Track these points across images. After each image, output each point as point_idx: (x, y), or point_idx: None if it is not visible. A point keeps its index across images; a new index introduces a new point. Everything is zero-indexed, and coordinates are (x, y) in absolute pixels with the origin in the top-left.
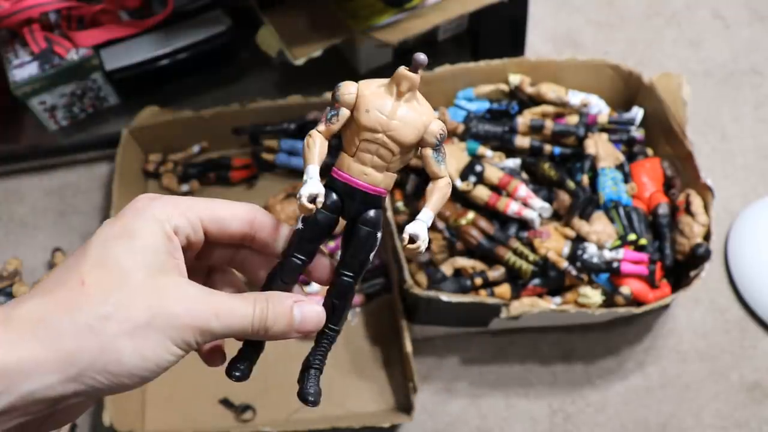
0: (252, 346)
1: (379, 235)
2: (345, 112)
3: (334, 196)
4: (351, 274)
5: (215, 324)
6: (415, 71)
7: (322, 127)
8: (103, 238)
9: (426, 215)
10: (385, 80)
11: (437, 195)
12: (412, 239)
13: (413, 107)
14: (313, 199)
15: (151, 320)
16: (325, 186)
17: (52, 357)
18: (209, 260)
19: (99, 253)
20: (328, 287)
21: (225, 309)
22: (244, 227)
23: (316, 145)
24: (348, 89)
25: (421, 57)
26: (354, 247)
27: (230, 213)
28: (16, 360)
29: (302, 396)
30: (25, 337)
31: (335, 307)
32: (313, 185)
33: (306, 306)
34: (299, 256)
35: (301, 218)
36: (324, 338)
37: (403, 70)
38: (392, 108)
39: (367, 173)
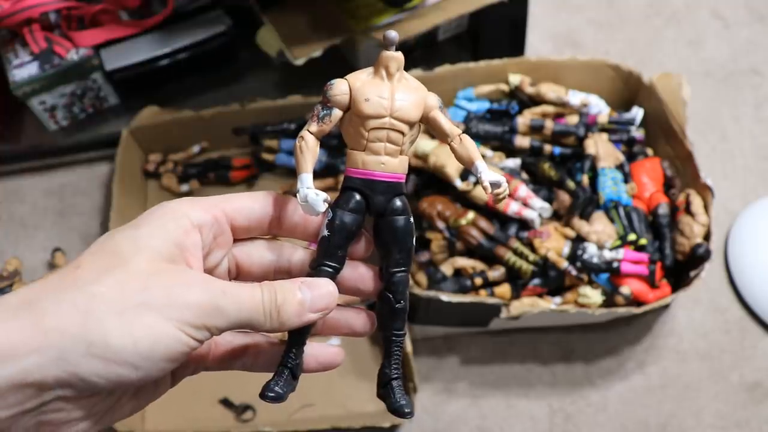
0: (289, 369)
1: (412, 219)
2: (338, 113)
3: (357, 196)
4: (404, 268)
5: (224, 301)
6: (396, 50)
7: (314, 127)
8: (109, 232)
9: (483, 164)
10: (370, 69)
11: (471, 146)
12: (495, 185)
13: (407, 85)
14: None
15: (146, 299)
16: (344, 189)
17: (28, 336)
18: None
19: (101, 242)
20: (378, 295)
21: (232, 287)
22: (268, 209)
23: (309, 149)
24: (340, 89)
25: (392, 34)
26: (397, 241)
27: (249, 198)
28: None
29: (396, 410)
30: (3, 319)
31: (397, 311)
32: (310, 195)
33: (309, 279)
34: (330, 263)
35: (325, 225)
36: (393, 346)
37: (387, 52)
38: (389, 91)
39: (384, 162)
